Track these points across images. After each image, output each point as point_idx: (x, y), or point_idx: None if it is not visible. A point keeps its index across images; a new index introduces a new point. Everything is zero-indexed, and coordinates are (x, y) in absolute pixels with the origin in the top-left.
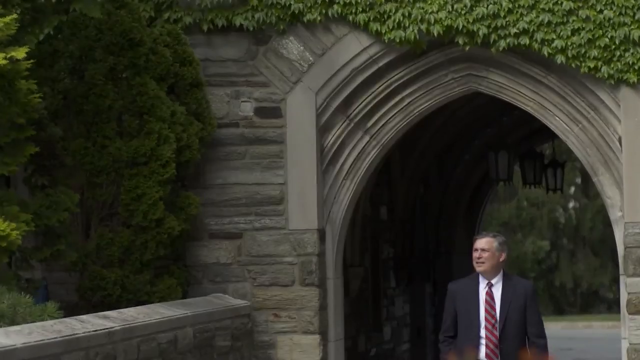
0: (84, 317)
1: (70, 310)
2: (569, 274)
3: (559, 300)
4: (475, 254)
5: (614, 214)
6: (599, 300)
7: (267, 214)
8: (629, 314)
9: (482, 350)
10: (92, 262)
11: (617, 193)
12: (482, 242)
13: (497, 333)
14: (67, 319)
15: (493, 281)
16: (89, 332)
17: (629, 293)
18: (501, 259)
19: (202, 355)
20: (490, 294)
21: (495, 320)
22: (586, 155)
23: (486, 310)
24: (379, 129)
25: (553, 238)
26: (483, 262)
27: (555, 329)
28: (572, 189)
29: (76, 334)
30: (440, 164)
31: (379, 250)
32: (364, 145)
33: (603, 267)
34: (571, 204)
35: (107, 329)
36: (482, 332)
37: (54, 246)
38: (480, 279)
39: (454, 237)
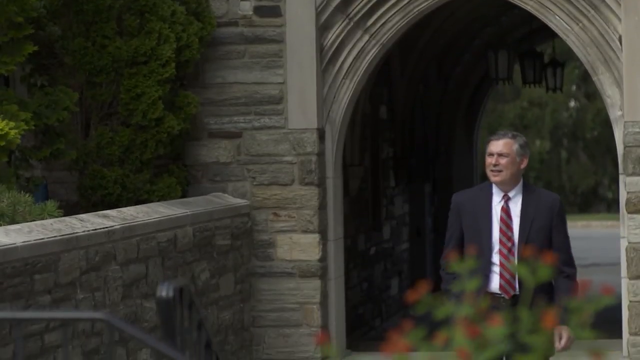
0: (83, 216)
1: (69, 209)
2: (569, 174)
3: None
4: (490, 160)
5: (614, 113)
6: (598, 200)
7: (266, 113)
8: (628, 213)
9: (495, 281)
10: (92, 161)
11: (617, 92)
12: (500, 145)
13: (514, 259)
14: (66, 218)
15: (511, 194)
16: (89, 231)
17: (628, 192)
18: (522, 166)
19: (202, 254)
20: (506, 210)
21: (513, 243)
22: (586, 55)
23: (501, 231)
24: (378, 28)
25: (554, 138)
26: (500, 171)
27: None
28: (573, 88)
29: (76, 232)
30: (439, 63)
31: (379, 149)
32: (364, 45)
33: (602, 166)
34: (572, 104)
35: (106, 228)
36: (496, 258)
37: (54, 145)
38: (495, 189)
39: (454, 136)
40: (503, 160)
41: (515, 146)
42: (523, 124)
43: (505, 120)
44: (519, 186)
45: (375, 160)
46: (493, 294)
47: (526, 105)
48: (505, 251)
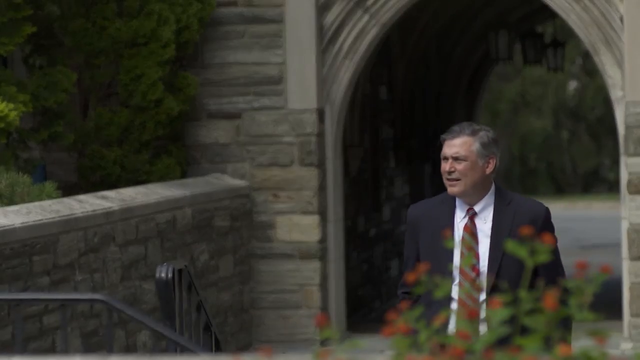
0: (82, 197)
1: (68, 190)
2: (570, 154)
3: (560, 180)
4: (444, 165)
5: (615, 94)
6: (599, 181)
7: (265, 93)
8: (630, 193)
9: (453, 322)
10: (91, 142)
11: (618, 72)
12: (455, 146)
13: (476, 295)
14: (65, 199)
15: (477, 207)
16: (87, 212)
17: (629, 173)
18: (489, 169)
19: (201, 236)
20: (470, 230)
21: (478, 273)
22: (587, 34)
23: (462, 255)
24: (378, 8)
25: (556, 117)
26: (457, 179)
27: (555, 209)
28: (574, 69)
29: (74, 213)
30: (440, 43)
31: (379, 130)
32: (364, 25)
33: (603, 147)
34: (573, 85)
35: (105, 209)
36: (455, 293)
37: (52, 128)
38: (458, 202)
39: (454, 116)
40: (460, 166)
41: (476, 145)
42: (524, 102)
43: (506, 99)
44: (489, 196)
45: (375, 141)
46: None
47: (529, 84)
48: (467, 284)
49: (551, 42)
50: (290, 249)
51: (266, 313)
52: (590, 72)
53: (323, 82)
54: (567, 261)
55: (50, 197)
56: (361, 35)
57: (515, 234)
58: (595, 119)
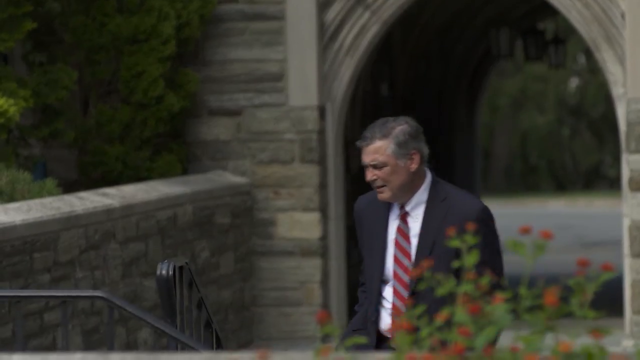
0: (83, 194)
1: (68, 187)
2: (571, 151)
3: (561, 177)
4: (366, 174)
5: (617, 91)
6: (601, 178)
7: (266, 90)
8: (631, 190)
9: (386, 320)
10: (92, 139)
11: (620, 69)
12: (370, 152)
13: (408, 295)
14: (66, 196)
15: (409, 206)
16: (88, 209)
17: (631, 170)
18: (413, 166)
19: (202, 233)
20: (402, 231)
21: (408, 273)
22: (588, 31)
23: (396, 259)
24: (379, 5)
25: (557, 114)
26: (383, 186)
27: (556, 206)
28: (575, 66)
29: (75, 210)
30: (441, 40)
31: None
32: (365, 22)
33: (605, 144)
34: (574, 82)
35: (106, 206)
36: (388, 293)
37: (53, 125)
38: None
39: (456, 113)
40: (381, 172)
41: (391, 147)
42: (525, 99)
43: (508, 96)
44: (422, 192)
45: None
46: (383, 334)
47: (530, 80)
48: (400, 288)
49: (552, 39)
50: (291, 246)
51: (267, 310)
52: (592, 69)
53: (324, 79)
54: (568, 259)
55: (50, 194)
56: (362, 32)
57: (442, 234)
58: (596, 116)
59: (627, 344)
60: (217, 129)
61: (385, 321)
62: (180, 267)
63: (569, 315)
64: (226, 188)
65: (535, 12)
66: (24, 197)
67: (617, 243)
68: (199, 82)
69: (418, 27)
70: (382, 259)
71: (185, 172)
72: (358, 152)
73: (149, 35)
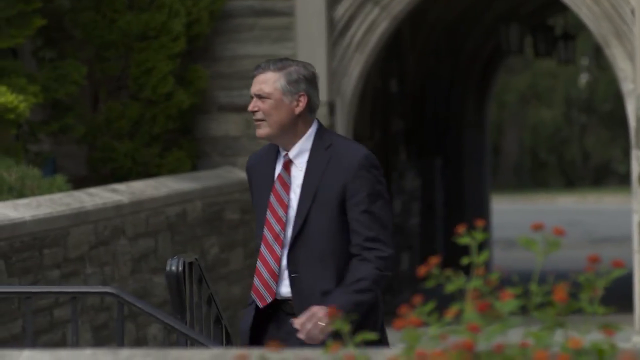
0: (92, 190)
1: (78, 183)
2: (581, 147)
3: (570, 173)
4: (250, 105)
5: (626, 87)
6: (610, 174)
7: None
8: None
9: (256, 281)
10: (102, 135)
11: (630, 65)
12: (259, 81)
13: (279, 251)
14: (75, 192)
15: (292, 154)
16: (98, 205)
17: None
18: (299, 109)
19: (212, 229)
20: (283, 180)
21: (283, 225)
22: (598, 27)
23: (271, 208)
24: (389, 1)
25: (566, 110)
26: (262, 120)
27: (565, 202)
28: (584, 61)
29: (85, 207)
30: (450, 36)
31: (389, 123)
32: (374, 18)
33: (614, 140)
34: (584, 78)
35: (115, 202)
36: (263, 247)
37: (62, 120)
38: (280, 148)
39: (465, 109)
40: (264, 105)
41: (281, 82)
42: (535, 95)
43: (517, 92)
44: (306, 140)
45: (385, 134)
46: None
47: (539, 76)
48: (270, 238)
49: (562, 35)
50: None
51: None
52: (602, 65)
53: (333, 75)
54: (578, 255)
55: (60, 190)
56: (372, 28)
57: (327, 182)
58: (606, 112)
59: (637, 340)
60: (226, 125)
61: (256, 281)
62: (190, 263)
63: (579, 311)
64: (236, 184)
65: (544, 8)
66: (33, 193)
67: (627, 239)
68: (209, 78)
69: (427, 23)
70: (264, 210)
71: (194, 168)
72: (370, 148)
73: (159, 32)
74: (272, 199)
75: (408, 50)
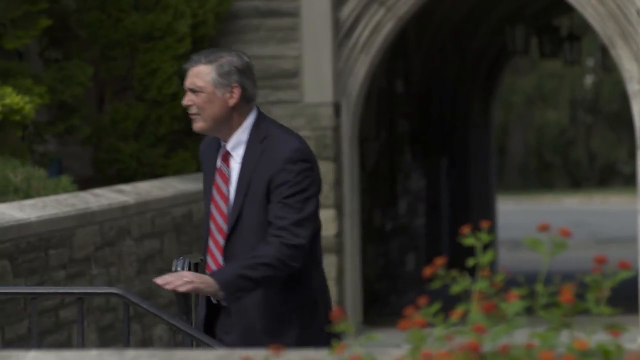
0: (98, 190)
1: (83, 184)
2: (586, 148)
3: (576, 174)
4: (184, 99)
5: (632, 87)
6: (616, 175)
7: (281, 87)
8: None
9: (210, 271)
10: (107, 136)
11: (635, 66)
12: (191, 75)
13: (223, 243)
14: (81, 193)
15: (229, 145)
16: (103, 206)
17: None
18: (232, 101)
19: None
20: (222, 172)
21: (225, 218)
22: (604, 28)
23: (213, 199)
24: (394, 2)
25: (572, 111)
26: (197, 114)
27: (571, 203)
28: (591, 62)
29: (90, 207)
30: (456, 36)
31: (395, 124)
32: (380, 18)
33: (620, 140)
34: (590, 79)
35: (121, 203)
36: (209, 239)
37: (68, 121)
38: (221, 139)
39: (471, 109)
40: (197, 98)
41: (212, 75)
42: (540, 96)
43: (523, 93)
44: (243, 132)
45: (391, 134)
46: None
47: (545, 77)
48: (215, 231)
49: (567, 35)
50: None
51: None
52: (607, 66)
53: (339, 76)
54: (583, 256)
55: (66, 190)
56: (377, 28)
57: (259, 175)
58: (612, 113)
59: None
60: None
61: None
62: (196, 264)
63: (585, 312)
64: None
65: (550, 9)
66: (39, 194)
67: (633, 240)
68: None
69: (433, 23)
70: (209, 201)
71: (200, 169)
72: (376, 149)
73: (164, 32)
74: (214, 191)
75: (413, 51)
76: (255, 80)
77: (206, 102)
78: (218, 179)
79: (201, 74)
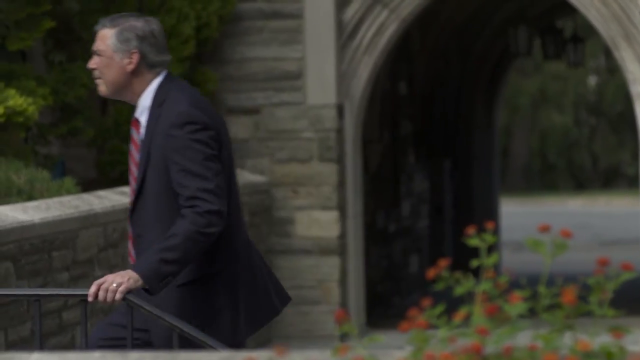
0: (101, 192)
1: (87, 186)
2: (590, 150)
3: (579, 176)
4: (90, 61)
5: (635, 89)
6: (619, 177)
7: (285, 89)
8: None
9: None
10: (110, 138)
11: (639, 68)
12: (97, 38)
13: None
14: (84, 195)
15: (137, 112)
16: (107, 207)
17: None
18: (131, 66)
19: None
20: (133, 137)
21: (135, 184)
22: (607, 30)
23: (130, 168)
24: (398, 3)
25: (575, 113)
26: (99, 78)
27: (575, 205)
28: (593, 63)
29: (94, 209)
30: (460, 38)
31: (398, 125)
32: (383, 20)
33: (624, 143)
34: (593, 80)
35: (124, 204)
36: (130, 210)
37: (71, 122)
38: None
39: (474, 111)
40: (99, 62)
41: (112, 40)
42: (544, 98)
43: (526, 95)
44: (145, 98)
45: (394, 136)
46: None
47: (549, 79)
48: (131, 202)
49: (571, 37)
50: (310, 245)
51: (285, 309)
52: (611, 67)
53: (342, 78)
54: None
55: (69, 192)
56: (380, 30)
57: (156, 142)
58: (615, 115)
59: None
60: (235, 128)
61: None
62: None
63: (588, 314)
64: (244, 187)
65: (553, 11)
66: (42, 196)
67: (636, 242)
68: (218, 81)
69: (436, 25)
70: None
71: None
72: (379, 150)
73: (168, 35)
74: (129, 159)
75: (417, 53)
76: (162, 46)
77: (105, 66)
78: (131, 146)
79: (104, 38)
